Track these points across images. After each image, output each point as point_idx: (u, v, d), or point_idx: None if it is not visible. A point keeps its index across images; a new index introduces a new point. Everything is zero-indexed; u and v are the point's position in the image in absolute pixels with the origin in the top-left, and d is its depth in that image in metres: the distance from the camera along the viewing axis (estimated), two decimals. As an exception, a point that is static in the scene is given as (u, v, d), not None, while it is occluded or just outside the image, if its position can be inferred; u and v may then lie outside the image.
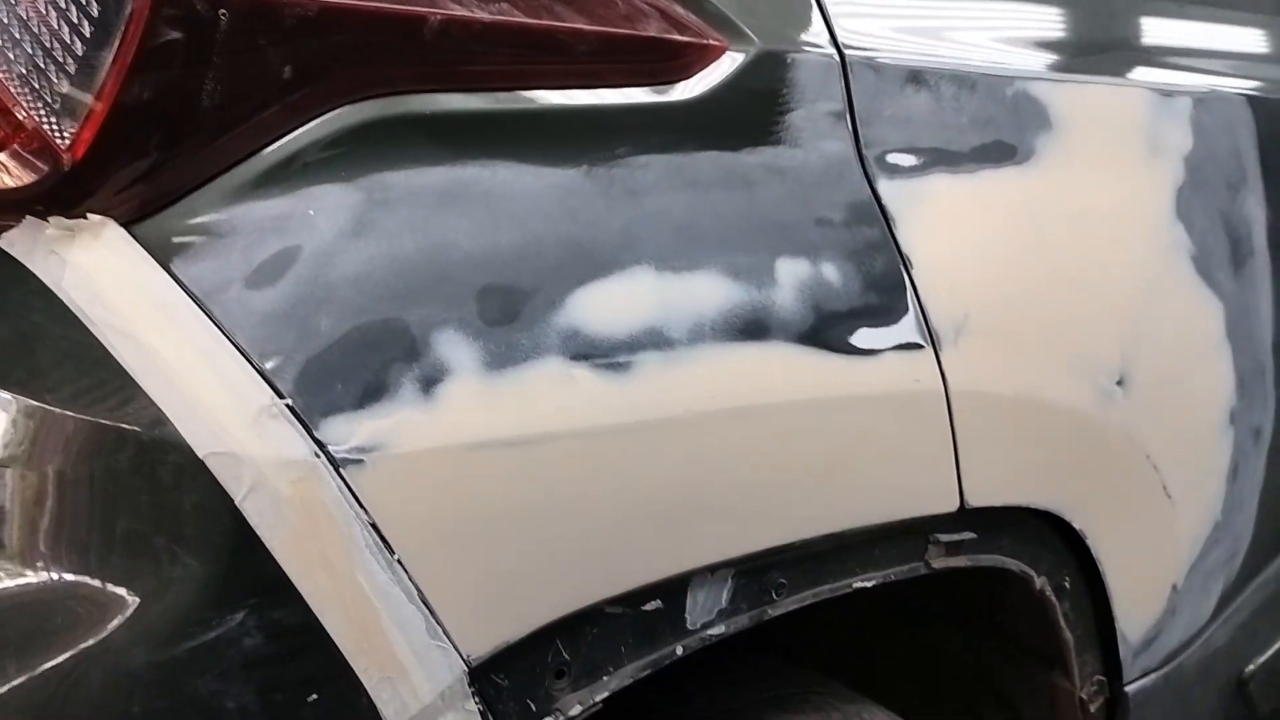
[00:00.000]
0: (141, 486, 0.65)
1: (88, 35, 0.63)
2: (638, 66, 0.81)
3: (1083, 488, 1.10)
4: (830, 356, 0.87)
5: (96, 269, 0.67)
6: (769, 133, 0.87)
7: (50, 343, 0.67)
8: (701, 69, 0.84)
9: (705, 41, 0.84)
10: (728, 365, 0.82)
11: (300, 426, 0.66)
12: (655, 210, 0.81)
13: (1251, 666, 1.48)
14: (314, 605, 0.67)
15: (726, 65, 0.85)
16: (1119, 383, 1.10)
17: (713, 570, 0.85)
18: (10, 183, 0.66)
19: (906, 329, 0.92)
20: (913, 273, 0.93)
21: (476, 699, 0.74)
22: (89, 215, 0.67)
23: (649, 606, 0.83)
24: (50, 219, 0.67)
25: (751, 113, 0.87)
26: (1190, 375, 1.21)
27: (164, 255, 0.67)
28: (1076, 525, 1.10)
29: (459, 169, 0.75)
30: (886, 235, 0.92)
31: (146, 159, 0.66)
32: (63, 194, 0.66)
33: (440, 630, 0.71)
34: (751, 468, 0.84)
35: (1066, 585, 1.14)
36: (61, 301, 0.67)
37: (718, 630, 0.87)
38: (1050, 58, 1.09)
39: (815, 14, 0.91)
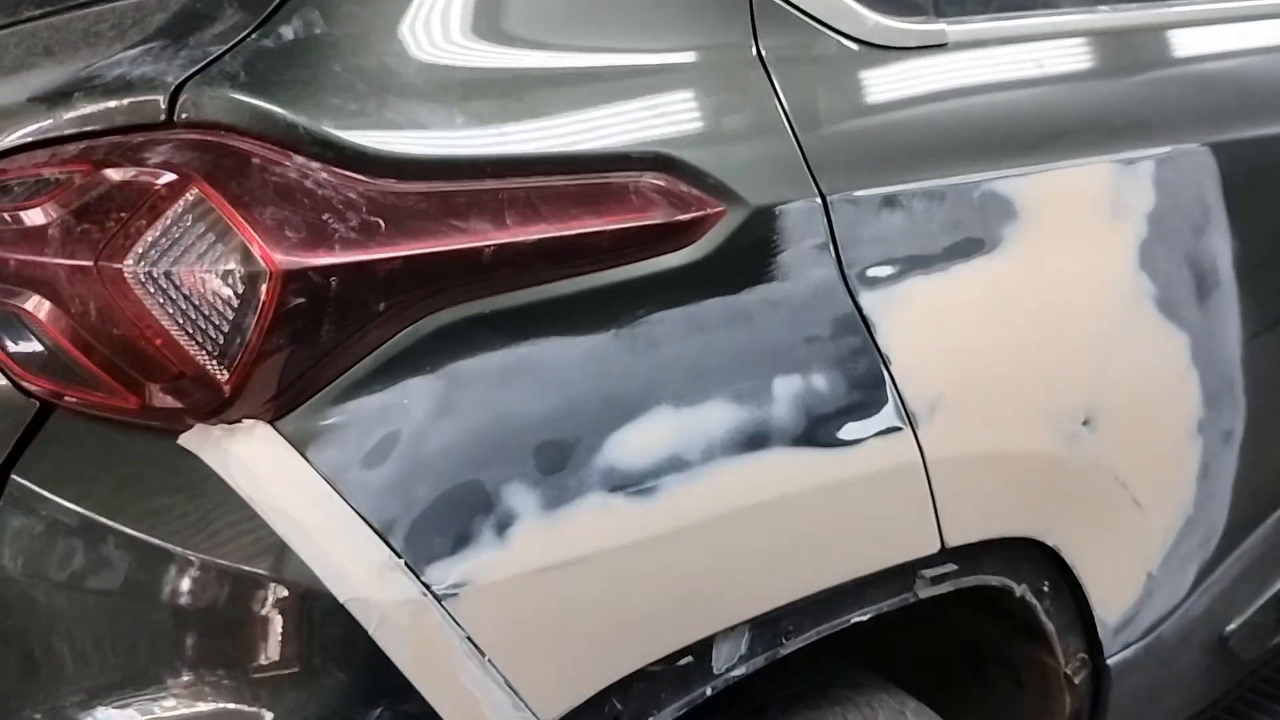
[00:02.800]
0: (301, 624, 0.89)
1: (236, 306, 0.86)
2: (651, 244, 1.01)
3: (1054, 512, 1.31)
4: (821, 451, 1.08)
5: (252, 458, 0.90)
6: (764, 273, 1.07)
7: (221, 515, 0.91)
8: (704, 232, 1.04)
9: (704, 212, 1.03)
10: (735, 474, 1.03)
11: (411, 574, 0.89)
12: (672, 357, 1.02)
13: (1233, 625, 1.69)
14: (430, 700, 0.92)
15: (725, 226, 1.05)
16: (1085, 423, 1.29)
17: (732, 629, 1.09)
18: (184, 404, 0.89)
19: (886, 416, 1.12)
20: (891, 368, 1.13)
21: (550, 750, 0.99)
22: (243, 420, 0.90)
23: (682, 662, 1.06)
24: (216, 424, 0.90)
25: (748, 260, 1.06)
26: (1156, 402, 1.40)
27: (301, 445, 0.90)
28: (1050, 543, 1.31)
29: (513, 351, 0.96)
30: (867, 340, 1.12)
31: (282, 381, 0.89)
32: (222, 409, 0.89)
33: (524, 705, 0.96)
34: (758, 550, 1.06)
35: (1045, 589, 1.36)
36: (227, 483, 0.90)
37: (739, 672, 1.10)
38: (1017, 153, 1.26)
39: (801, 168, 1.09)
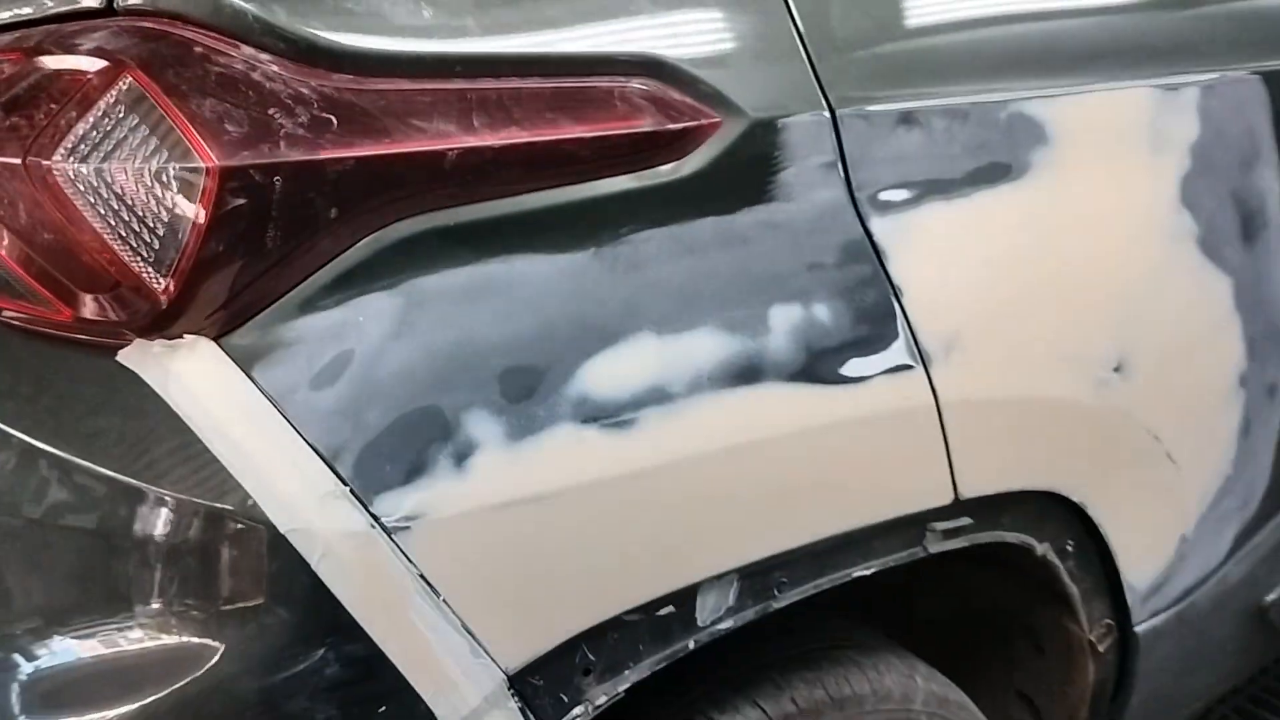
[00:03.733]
0: (241, 555, 0.83)
1: (171, 207, 0.78)
2: (637, 155, 0.93)
3: (1080, 466, 1.21)
4: (820, 388, 0.99)
5: (194, 377, 0.83)
6: (763, 193, 0.98)
7: (160, 438, 0.84)
8: (697, 146, 0.95)
9: (697, 122, 0.94)
10: (722, 409, 0.95)
11: (358, 504, 0.82)
12: (657, 279, 0.94)
13: (1273, 595, 1.58)
14: (378, 640, 0.85)
15: (721, 139, 0.96)
16: (1116, 369, 1.19)
17: (719, 577, 1.01)
18: (120, 316, 0.82)
19: (896, 353, 1.04)
20: (903, 300, 1.04)
21: (516, 699, 0.91)
22: (185, 335, 0.83)
23: (662, 611, 0.99)
24: (155, 339, 0.83)
25: (746, 177, 0.98)
26: (1195, 350, 1.29)
27: (247, 364, 0.83)
28: (1075, 499, 1.22)
29: (481, 267, 0.88)
30: (877, 269, 1.03)
31: (226, 293, 0.82)
32: (162, 322, 0.82)
33: (482, 650, 0.88)
34: (748, 493, 0.98)
35: (1069, 548, 1.26)
36: (167, 404, 0.84)
37: (725, 625, 1.02)
38: (1050, 72, 1.16)
39: (808, 78, 1.00)
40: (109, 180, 0.78)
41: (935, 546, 1.14)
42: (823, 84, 1.01)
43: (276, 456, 0.82)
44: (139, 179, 0.78)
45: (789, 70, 1.00)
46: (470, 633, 0.88)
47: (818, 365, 0.99)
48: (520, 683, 0.92)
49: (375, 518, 0.83)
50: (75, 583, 0.85)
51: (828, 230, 1.01)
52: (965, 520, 1.14)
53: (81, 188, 0.78)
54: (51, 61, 0.79)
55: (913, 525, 1.12)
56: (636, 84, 0.92)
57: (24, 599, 0.86)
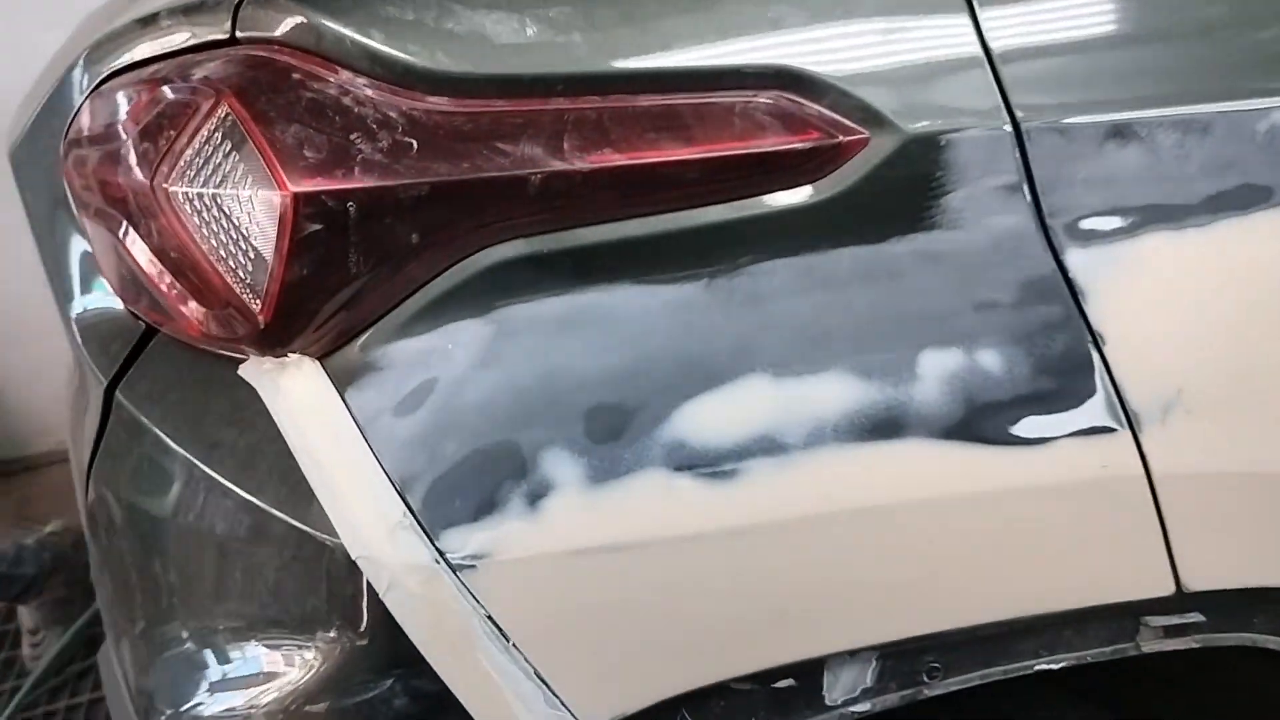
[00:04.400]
0: (319, 577, 0.83)
1: (256, 232, 0.80)
2: (760, 177, 0.83)
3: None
4: (982, 450, 0.85)
5: (295, 395, 0.85)
6: (919, 220, 0.85)
7: (265, 453, 0.87)
8: (837, 167, 0.84)
9: (836, 140, 0.84)
10: (850, 466, 0.83)
11: (424, 536, 0.80)
12: (777, 316, 0.84)
13: None
14: (445, 677, 0.82)
15: (867, 158, 0.84)
16: None
17: (851, 653, 0.89)
18: (232, 333, 0.86)
19: (1093, 412, 0.86)
20: (1105, 350, 0.87)
21: (602, 756, 0.86)
22: (290, 354, 0.85)
23: (781, 684, 0.89)
24: (266, 355, 0.86)
25: (898, 202, 0.85)
26: None
27: (342, 384, 0.84)
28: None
29: (576, 297, 0.83)
30: (1072, 312, 0.86)
31: (319, 314, 0.83)
32: (267, 340, 0.84)
33: (558, 701, 0.84)
34: (883, 564, 0.86)
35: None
36: (273, 419, 0.86)
37: (862, 707, 0.90)
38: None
39: (987, 88, 0.85)
40: (209, 204, 0.81)
41: (1152, 645, 0.94)
42: (1006, 92, 0.86)
43: (355, 481, 0.82)
44: (233, 204, 0.80)
45: (962, 77, 0.86)
46: (544, 681, 0.83)
47: (981, 422, 0.85)
48: (607, 741, 0.86)
49: (440, 552, 0.80)
50: (184, 582, 0.89)
51: (1006, 263, 0.86)
52: (1195, 617, 0.94)
53: (189, 210, 0.82)
54: (170, 90, 0.83)
55: (1118, 617, 0.93)
56: (764, 99, 0.83)
57: (157, 600, 0.92)
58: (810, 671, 0.89)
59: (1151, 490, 0.88)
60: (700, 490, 0.82)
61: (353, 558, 0.81)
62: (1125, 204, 0.87)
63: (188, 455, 0.89)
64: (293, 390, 0.85)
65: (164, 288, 0.89)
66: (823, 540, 0.84)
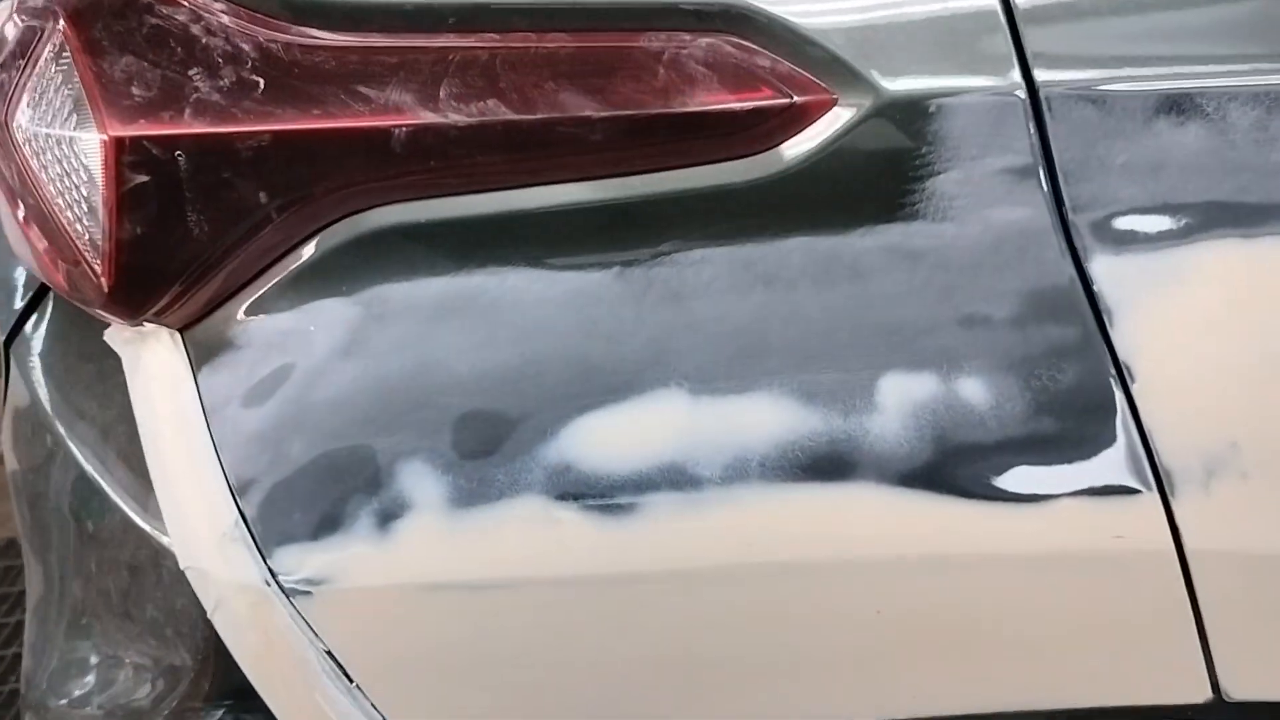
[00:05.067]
0: (156, 583, 0.73)
1: (85, 180, 0.69)
2: (690, 146, 0.67)
3: None
4: (953, 503, 0.67)
5: (149, 370, 0.74)
6: (896, 206, 0.67)
7: (116, 432, 0.76)
8: (792, 135, 0.67)
9: (789, 100, 0.66)
10: (779, 512, 0.67)
11: (257, 553, 0.68)
12: (703, 317, 0.68)
13: None
14: (279, 716, 0.70)
15: (830, 125, 0.67)
16: None
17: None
18: (84, 295, 0.75)
19: (1108, 468, 0.67)
20: (1133, 389, 0.67)
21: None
22: (145, 323, 0.74)
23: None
24: (125, 323, 0.75)
25: (869, 183, 0.67)
26: None
27: (198, 364, 0.72)
28: None
29: (463, 278, 0.69)
30: (1092, 335, 0.67)
31: (169, 279, 0.71)
32: (116, 306, 0.73)
33: (407, 759, 0.71)
34: (816, 632, 0.69)
35: None
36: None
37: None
38: None
39: (998, 39, 0.66)
40: (45, 146, 0.70)
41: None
42: (1023, 44, 0.66)
43: (192, 477, 0.70)
44: (64, 147, 0.69)
45: (966, 23, 0.67)
46: (392, 733, 0.70)
47: (954, 469, 0.67)
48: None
49: (272, 573, 0.68)
50: (44, 563, 0.80)
51: (1009, 268, 0.67)
52: (1240, 732, 0.74)
53: (28, 151, 0.71)
54: (21, 16, 0.72)
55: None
56: (701, 43, 0.66)
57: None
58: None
59: (1184, 571, 0.69)
60: (587, 526, 0.67)
61: (181, 567, 0.70)
62: (1178, 200, 0.67)
63: (55, 423, 0.80)
64: (149, 364, 0.74)
65: (33, 239, 0.78)
66: (740, 599, 0.68)
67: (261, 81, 0.66)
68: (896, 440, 0.67)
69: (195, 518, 0.70)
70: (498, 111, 0.65)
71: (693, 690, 0.70)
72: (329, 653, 0.69)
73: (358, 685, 0.70)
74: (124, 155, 0.66)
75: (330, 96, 0.65)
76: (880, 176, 0.67)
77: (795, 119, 0.66)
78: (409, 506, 0.67)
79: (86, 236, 0.70)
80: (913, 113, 0.66)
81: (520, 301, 0.68)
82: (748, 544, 0.67)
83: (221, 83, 0.66)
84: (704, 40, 0.66)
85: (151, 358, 0.74)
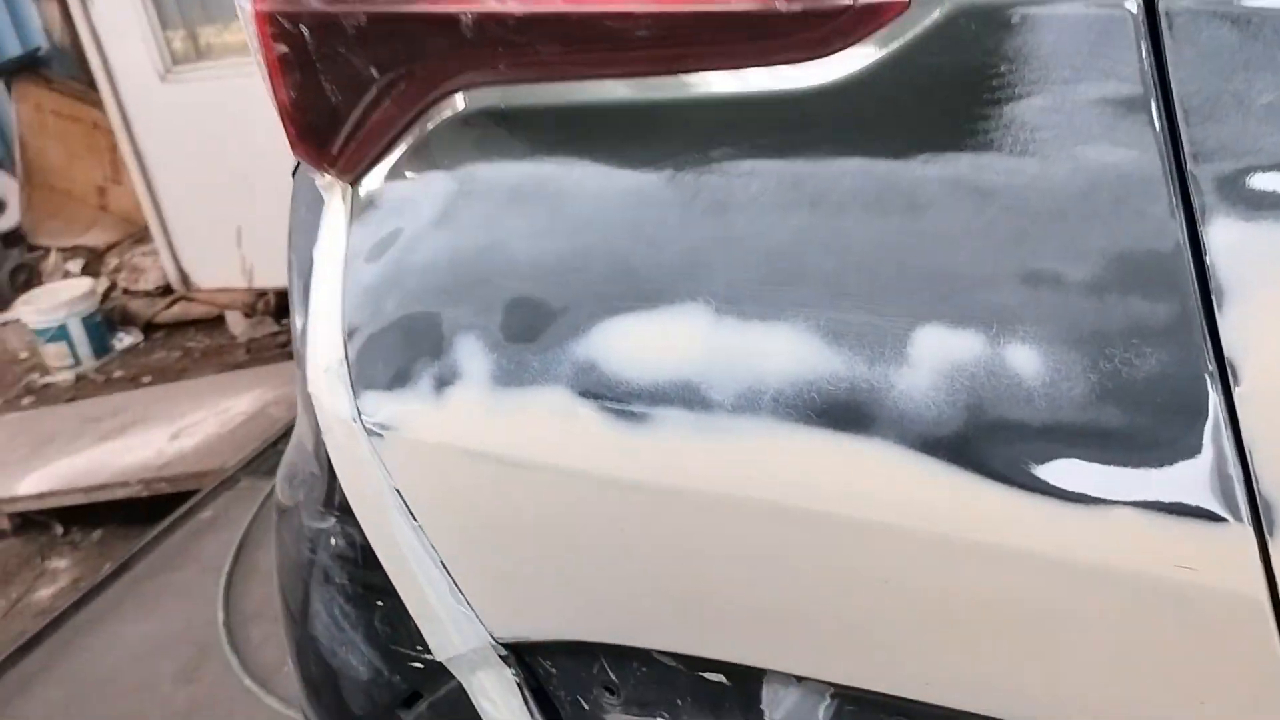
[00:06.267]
0: (308, 401, 0.84)
1: (257, 49, 0.78)
2: (749, 43, 0.61)
3: None
4: (982, 484, 0.58)
5: (328, 214, 0.84)
6: (968, 134, 0.57)
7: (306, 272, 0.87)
8: (857, 39, 0.59)
9: (847, 2, 0.58)
10: (787, 451, 0.62)
11: (350, 392, 0.76)
12: (743, 233, 0.63)
13: None
14: (368, 535, 0.80)
15: (898, 32, 0.58)
16: None
17: (798, 679, 0.70)
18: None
19: (1185, 483, 0.55)
20: (1236, 391, 0.53)
21: (513, 671, 0.78)
22: (326, 175, 0.83)
23: (710, 677, 0.72)
24: (313, 170, 0.85)
25: (939, 104, 0.58)
26: None
27: (352, 216, 0.81)
28: None
29: (535, 166, 0.70)
30: (1193, 316, 0.54)
31: (324, 136, 0.79)
32: (303, 154, 0.83)
33: (463, 598, 0.77)
34: (820, 585, 0.64)
35: None
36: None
37: (808, 740, 0.71)
38: None
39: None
40: (248, 20, 0.80)
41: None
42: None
43: (326, 315, 0.80)
44: (245, 18, 0.78)
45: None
46: (449, 571, 0.77)
47: (986, 445, 0.58)
48: (522, 657, 0.78)
49: (359, 411, 0.76)
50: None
51: (1098, 219, 0.55)
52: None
53: (253, 23, 0.81)
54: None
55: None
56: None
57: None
58: (744, 677, 0.71)
59: (1279, 624, 0.55)
60: (603, 426, 0.67)
61: (307, 388, 0.81)
62: None
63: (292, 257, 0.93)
64: (330, 209, 0.84)
65: None
66: (742, 531, 0.65)
67: None
68: (925, 400, 0.59)
69: (319, 350, 0.79)
70: (547, 2, 0.64)
71: (682, 607, 0.69)
72: (398, 491, 0.77)
73: (419, 525, 0.77)
74: (268, 26, 0.74)
75: None
76: (952, 96, 0.57)
77: (859, 21, 0.58)
78: (460, 376, 0.71)
79: (276, 96, 0.80)
80: (994, 24, 0.55)
81: (579, 194, 0.68)
82: (748, 478, 0.63)
83: None
84: None
85: (332, 203, 0.83)
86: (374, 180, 0.79)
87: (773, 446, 0.62)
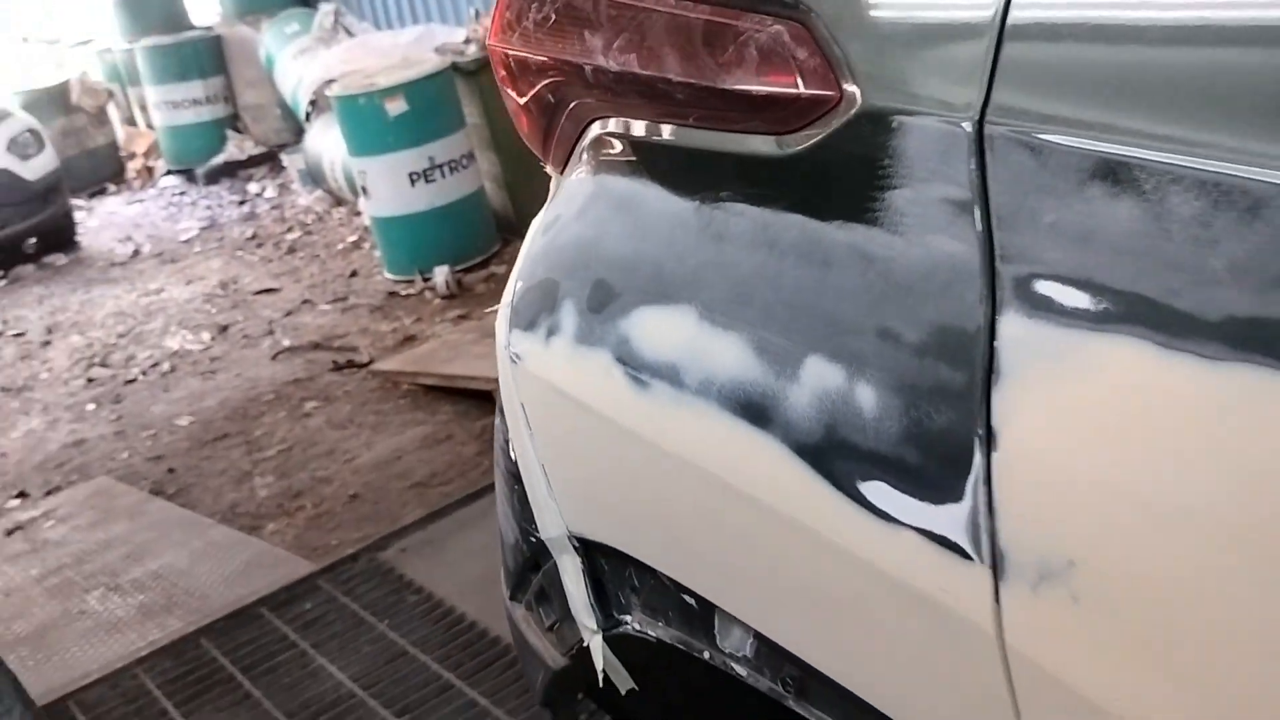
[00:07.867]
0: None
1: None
2: (751, 116, 0.79)
3: None
4: (823, 486, 0.73)
5: (549, 196, 1.11)
6: (862, 210, 0.72)
7: None
8: (807, 124, 0.75)
9: (797, 92, 0.74)
10: (716, 430, 0.81)
11: (508, 324, 1.04)
12: (727, 260, 0.82)
13: None
14: (510, 434, 1.07)
15: (829, 121, 0.73)
16: None
17: (734, 619, 0.87)
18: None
19: (947, 522, 0.67)
20: (993, 456, 0.65)
21: (581, 559, 1.03)
22: (546, 167, 1.11)
23: (686, 598, 0.92)
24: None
25: (846, 183, 0.73)
26: None
27: (549, 201, 1.08)
28: None
29: (633, 183, 0.92)
30: (975, 388, 0.65)
31: (540, 137, 1.06)
32: (534, 149, 1.11)
33: (551, 494, 1.02)
34: (731, 544, 0.82)
35: None
36: None
37: (741, 671, 0.88)
38: None
39: (974, 67, 0.64)
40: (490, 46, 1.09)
41: None
42: (994, 77, 0.64)
43: (516, 269, 1.07)
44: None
45: (956, 48, 0.66)
46: (545, 472, 1.02)
47: (833, 457, 0.73)
48: (587, 549, 1.02)
49: (509, 341, 1.03)
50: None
51: (931, 297, 0.68)
52: None
53: (491, 52, 1.10)
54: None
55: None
56: (774, 28, 0.77)
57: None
58: (706, 607, 0.90)
59: (1003, 657, 0.65)
60: (625, 386, 0.88)
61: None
62: (1102, 279, 0.60)
63: None
64: (551, 192, 1.11)
65: None
66: (693, 488, 0.84)
67: (553, 18, 0.95)
68: (803, 414, 0.74)
69: (506, 292, 1.07)
70: (630, 64, 0.86)
71: (663, 535, 0.89)
72: (522, 405, 1.03)
73: (533, 434, 1.03)
74: (497, 56, 1.02)
75: (555, 35, 0.92)
76: (859, 177, 0.72)
77: (809, 108, 0.74)
78: (559, 330, 0.96)
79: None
80: (880, 125, 0.70)
81: (648, 210, 0.89)
82: (697, 449, 0.82)
83: (540, 17, 0.96)
84: (776, 26, 0.77)
85: (552, 188, 1.11)
86: (565, 175, 1.04)
87: (714, 425, 0.80)
